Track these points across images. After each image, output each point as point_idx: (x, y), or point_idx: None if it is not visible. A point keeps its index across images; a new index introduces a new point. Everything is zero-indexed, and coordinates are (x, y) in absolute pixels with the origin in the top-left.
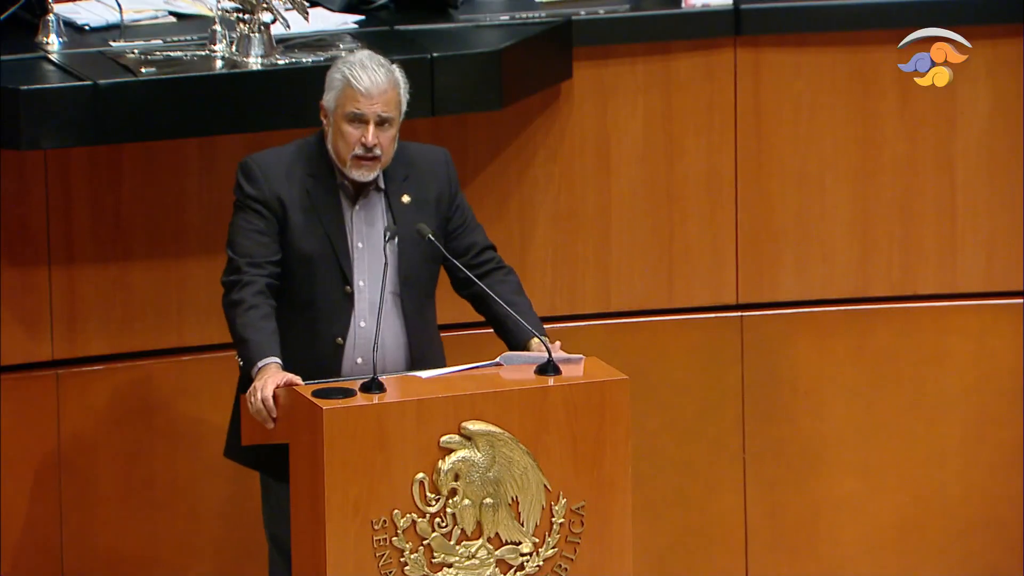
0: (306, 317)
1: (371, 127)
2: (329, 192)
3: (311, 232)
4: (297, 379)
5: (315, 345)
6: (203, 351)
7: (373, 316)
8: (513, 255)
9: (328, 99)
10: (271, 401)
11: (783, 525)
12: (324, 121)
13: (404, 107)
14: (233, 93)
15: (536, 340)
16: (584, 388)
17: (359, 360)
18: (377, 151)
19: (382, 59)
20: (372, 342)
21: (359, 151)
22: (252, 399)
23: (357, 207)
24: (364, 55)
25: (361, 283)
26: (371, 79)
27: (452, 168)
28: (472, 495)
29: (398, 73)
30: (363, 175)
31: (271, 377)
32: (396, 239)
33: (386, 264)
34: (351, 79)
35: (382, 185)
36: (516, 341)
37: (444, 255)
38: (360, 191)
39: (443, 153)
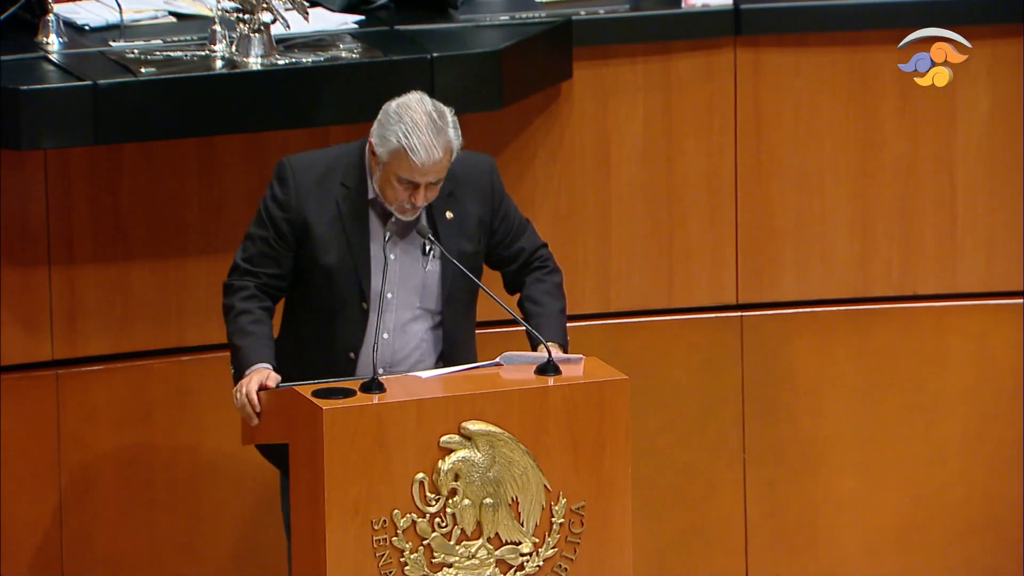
0: (325, 327)
1: (422, 190)
2: (360, 205)
3: (334, 243)
4: (277, 378)
5: (333, 355)
6: (203, 351)
7: (398, 328)
8: None
9: (381, 150)
10: (254, 396)
11: (783, 525)
12: (371, 157)
13: (454, 155)
14: (233, 93)
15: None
16: (584, 388)
17: (380, 371)
18: (423, 205)
19: (438, 118)
20: (395, 354)
21: (407, 205)
22: (236, 395)
23: (393, 219)
24: (424, 117)
25: (389, 295)
26: (428, 154)
27: (496, 177)
28: (472, 495)
29: (452, 132)
30: (406, 217)
31: (255, 374)
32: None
33: (386, 265)
34: (408, 150)
35: None
36: (534, 344)
37: (481, 268)
38: None
39: (487, 162)
